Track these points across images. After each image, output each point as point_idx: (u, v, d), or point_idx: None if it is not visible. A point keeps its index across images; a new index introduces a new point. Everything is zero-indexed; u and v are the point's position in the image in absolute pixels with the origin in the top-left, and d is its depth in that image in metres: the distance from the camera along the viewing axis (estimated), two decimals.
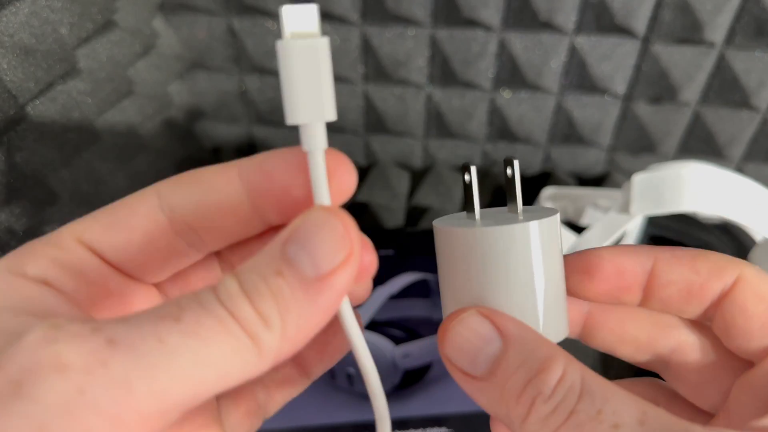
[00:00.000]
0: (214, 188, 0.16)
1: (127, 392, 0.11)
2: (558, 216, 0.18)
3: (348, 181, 0.15)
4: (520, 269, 0.17)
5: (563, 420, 0.15)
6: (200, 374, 0.12)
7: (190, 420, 0.16)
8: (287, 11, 0.13)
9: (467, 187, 0.19)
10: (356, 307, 0.42)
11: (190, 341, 0.12)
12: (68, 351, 0.11)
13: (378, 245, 0.46)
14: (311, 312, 0.13)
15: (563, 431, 0.14)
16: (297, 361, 0.19)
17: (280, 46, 0.13)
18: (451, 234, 0.17)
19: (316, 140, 0.14)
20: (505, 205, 0.20)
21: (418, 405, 0.37)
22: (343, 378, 0.37)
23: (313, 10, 0.13)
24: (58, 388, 0.11)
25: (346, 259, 0.13)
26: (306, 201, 0.15)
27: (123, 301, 0.16)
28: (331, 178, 0.15)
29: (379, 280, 0.42)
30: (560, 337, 0.19)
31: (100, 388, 0.11)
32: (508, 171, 0.20)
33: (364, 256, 0.16)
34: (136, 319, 0.12)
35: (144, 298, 0.17)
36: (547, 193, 0.46)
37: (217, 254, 0.18)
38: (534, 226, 0.17)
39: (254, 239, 0.17)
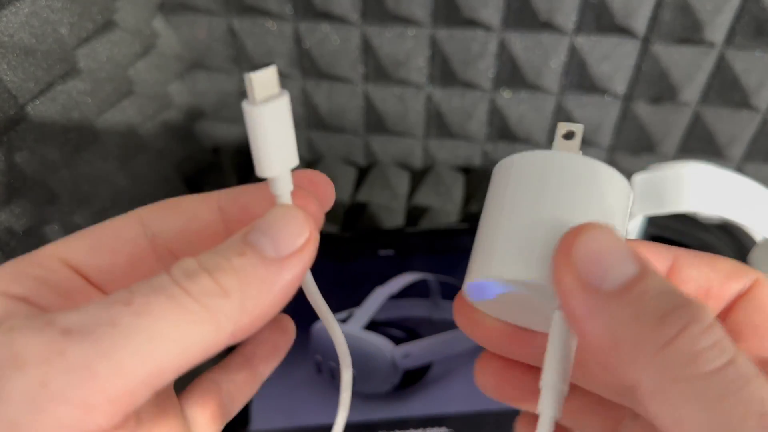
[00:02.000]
0: (196, 217, 0.16)
1: (89, 377, 0.11)
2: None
3: (328, 191, 0.17)
4: (614, 203, 0.17)
5: (723, 364, 0.12)
6: (159, 350, 0.12)
7: (156, 426, 0.16)
8: (254, 78, 0.14)
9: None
10: (356, 307, 0.41)
11: (141, 320, 0.12)
12: (24, 346, 0.11)
13: (378, 245, 0.46)
14: (271, 289, 0.13)
15: (717, 376, 0.12)
16: (247, 362, 0.19)
17: (252, 111, 0.14)
18: (557, 158, 0.17)
19: (284, 186, 0.15)
20: None
21: (418, 405, 0.37)
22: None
23: (273, 71, 0.14)
24: (20, 385, 0.11)
25: (306, 244, 0.14)
26: None
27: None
28: (313, 192, 0.16)
29: (379, 280, 0.42)
30: None
31: (62, 376, 0.11)
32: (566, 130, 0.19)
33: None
34: (89, 307, 0.12)
35: None
36: None
37: None
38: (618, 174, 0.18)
39: None
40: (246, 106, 0.14)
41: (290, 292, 0.14)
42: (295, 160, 0.15)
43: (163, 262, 0.16)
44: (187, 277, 0.13)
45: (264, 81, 0.14)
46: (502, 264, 0.16)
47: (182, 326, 0.12)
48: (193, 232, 0.16)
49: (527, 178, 0.17)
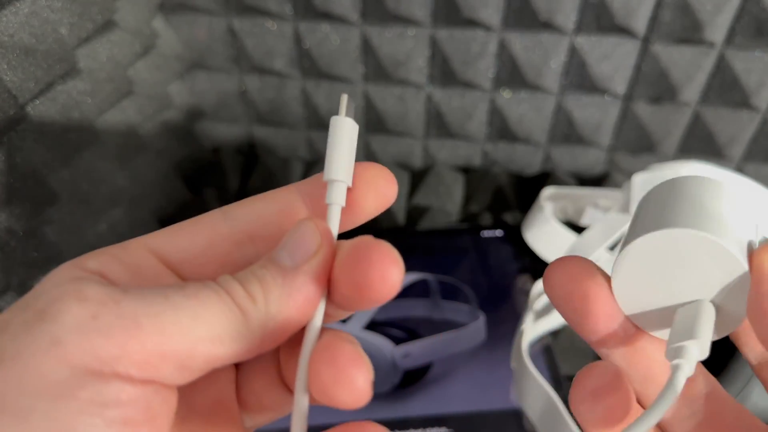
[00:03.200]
0: (276, 199, 0.18)
1: (134, 326, 0.13)
2: None
3: (388, 190, 0.18)
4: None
5: None
6: (197, 330, 0.14)
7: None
8: (345, 97, 0.18)
9: None
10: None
11: (189, 301, 0.14)
12: (88, 288, 0.13)
13: None
14: (290, 294, 0.15)
15: None
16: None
17: (338, 120, 0.17)
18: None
19: (339, 196, 0.17)
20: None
21: (418, 405, 0.37)
22: None
23: (352, 104, 0.18)
24: (75, 312, 0.13)
25: (318, 249, 0.16)
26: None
27: None
28: (372, 186, 0.18)
29: None
30: None
31: (111, 317, 0.13)
32: None
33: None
34: (149, 286, 0.14)
35: None
36: (547, 193, 0.46)
37: None
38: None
39: None
40: (335, 117, 0.17)
41: (311, 299, 0.15)
42: (350, 181, 0.17)
43: (239, 248, 0.17)
44: (226, 283, 0.15)
45: (349, 104, 0.18)
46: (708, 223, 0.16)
47: (220, 316, 0.14)
48: (272, 214, 0.17)
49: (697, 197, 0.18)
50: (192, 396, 0.17)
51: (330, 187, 0.17)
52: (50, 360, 0.12)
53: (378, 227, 0.50)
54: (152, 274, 0.16)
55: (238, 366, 0.19)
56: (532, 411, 0.35)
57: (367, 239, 0.16)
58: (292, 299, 0.15)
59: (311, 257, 0.15)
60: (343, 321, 0.39)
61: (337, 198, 0.17)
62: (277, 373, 0.18)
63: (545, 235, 0.43)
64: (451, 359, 0.39)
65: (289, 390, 0.18)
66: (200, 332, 0.14)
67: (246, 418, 0.19)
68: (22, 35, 0.33)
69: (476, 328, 0.40)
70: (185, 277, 0.17)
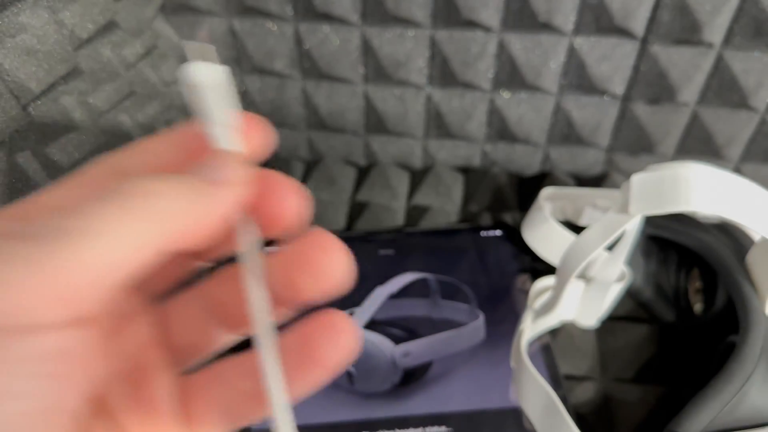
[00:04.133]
0: (149, 150, 0.18)
1: (38, 270, 0.12)
2: None
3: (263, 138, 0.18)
4: None
5: None
6: (104, 247, 0.13)
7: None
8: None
9: None
10: (356, 306, 0.42)
11: (88, 220, 0.13)
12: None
13: (378, 245, 0.46)
14: (204, 193, 0.15)
15: None
16: None
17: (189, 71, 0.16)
18: None
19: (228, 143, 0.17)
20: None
21: (418, 404, 0.37)
22: (343, 377, 0.38)
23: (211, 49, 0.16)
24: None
25: (236, 176, 0.16)
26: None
27: None
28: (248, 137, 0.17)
29: (379, 279, 0.42)
30: None
31: (18, 263, 0.12)
32: None
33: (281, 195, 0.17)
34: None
35: None
36: (546, 193, 0.46)
37: None
38: None
39: None
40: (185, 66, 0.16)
41: (227, 204, 0.15)
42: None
43: None
44: (129, 184, 0.14)
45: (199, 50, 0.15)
46: None
47: (119, 222, 0.13)
48: (151, 167, 0.17)
49: None
50: (117, 340, 0.16)
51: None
52: None
53: (378, 227, 0.50)
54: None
55: (163, 311, 0.18)
56: (532, 410, 0.35)
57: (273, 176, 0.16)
58: (207, 198, 0.15)
59: (232, 181, 0.15)
60: None
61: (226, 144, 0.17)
62: (205, 308, 0.18)
63: (544, 235, 0.43)
64: (450, 358, 0.39)
65: (220, 323, 0.18)
66: (112, 246, 0.13)
67: (179, 361, 0.18)
68: (24, 36, 0.33)
69: (476, 327, 0.41)
70: None
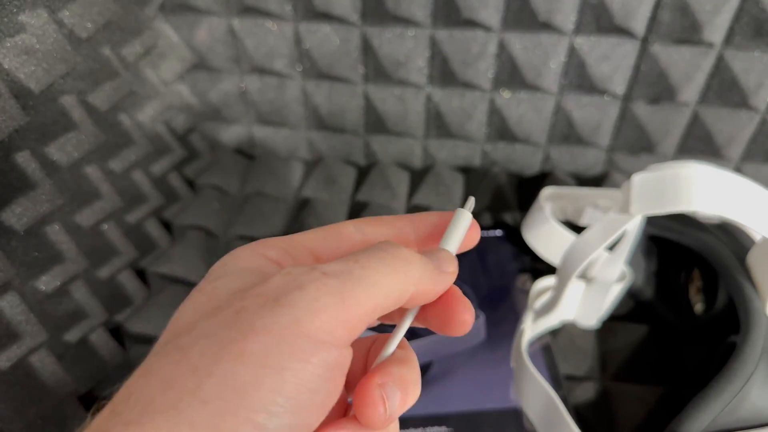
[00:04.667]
0: (395, 226, 0.23)
1: (341, 300, 0.17)
2: None
3: (475, 236, 0.23)
4: None
5: None
6: (376, 292, 0.18)
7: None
8: (472, 201, 0.24)
9: None
10: None
11: (366, 272, 0.18)
12: (301, 277, 0.18)
13: None
14: (435, 278, 0.20)
15: None
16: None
17: (463, 213, 0.23)
18: None
19: (454, 248, 0.22)
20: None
21: (418, 404, 0.37)
22: None
23: (473, 203, 0.24)
24: (301, 298, 0.17)
25: (454, 272, 0.21)
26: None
27: None
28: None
29: None
30: None
31: (327, 296, 0.17)
32: None
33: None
34: (332, 263, 0.19)
35: None
36: (546, 193, 0.46)
37: None
38: None
39: None
40: (461, 210, 0.23)
41: (444, 288, 0.21)
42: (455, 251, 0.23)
43: None
44: (394, 248, 0.19)
45: (472, 204, 0.23)
46: None
47: (389, 277, 0.18)
48: (392, 235, 0.23)
49: None
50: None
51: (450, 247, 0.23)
52: (294, 334, 0.16)
53: None
54: (307, 264, 0.21)
55: None
56: (532, 410, 0.35)
57: (457, 292, 0.22)
58: (436, 283, 0.20)
59: (452, 272, 0.21)
60: None
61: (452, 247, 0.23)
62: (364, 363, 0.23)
63: (544, 234, 0.43)
64: (450, 358, 0.39)
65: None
66: (378, 294, 0.18)
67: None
68: (23, 35, 0.33)
69: (476, 327, 0.40)
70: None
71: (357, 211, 0.51)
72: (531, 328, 0.39)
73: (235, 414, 0.15)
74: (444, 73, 0.48)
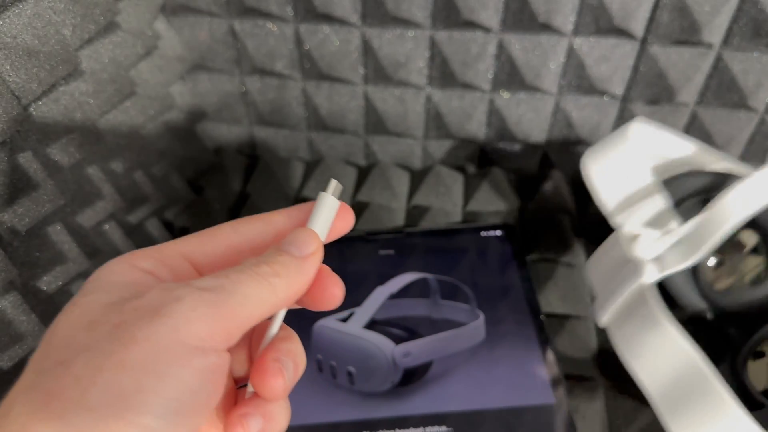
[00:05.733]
0: (272, 222, 0.24)
1: (218, 313, 0.18)
2: None
3: (348, 219, 0.25)
4: None
5: None
6: (249, 304, 0.19)
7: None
8: (335, 184, 0.24)
9: None
10: (357, 306, 0.42)
11: (238, 286, 0.19)
12: (178, 290, 0.19)
13: (378, 245, 0.47)
14: (301, 272, 0.21)
15: None
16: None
17: (325, 197, 0.23)
18: None
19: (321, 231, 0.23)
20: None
21: (419, 403, 0.37)
22: (344, 376, 0.38)
23: (340, 188, 0.24)
24: (179, 309, 0.18)
25: (317, 247, 0.22)
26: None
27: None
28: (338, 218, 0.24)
29: (379, 280, 0.42)
30: None
31: (203, 307, 0.18)
32: None
33: (331, 288, 0.23)
34: (207, 278, 0.20)
35: None
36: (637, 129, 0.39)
37: None
38: None
39: None
40: (323, 194, 0.23)
41: (312, 276, 0.22)
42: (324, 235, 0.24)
43: (242, 255, 0.23)
44: (256, 266, 0.20)
45: (336, 187, 0.24)
46: None
47: (258, 291, 0.20)
48: (268, 233, 0.23)
49: None
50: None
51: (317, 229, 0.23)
52: (174, 342, 0.17)
53: (378, 227, 0.50)
54: (183, 273, 0.22)
55: None
56: (655, 375, 0.29)
57: (324, 270, 0.23)
58: (302, 275, 0.21)
59: (314, 253, 0.22)
60: (343, 320, 0.39)
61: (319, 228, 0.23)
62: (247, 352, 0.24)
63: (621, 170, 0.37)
64: (450, 358, 0.39)
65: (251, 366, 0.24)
66: (250, 306, 0.19)
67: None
68: (25, 37, 0.33)
69: (476, 327, 0.41)
70: (205, 274, 0.22)
71: (358, 211, 0.52)
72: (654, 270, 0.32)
73: (121, 417, 0.16)
74: (444, 73, 0.48)
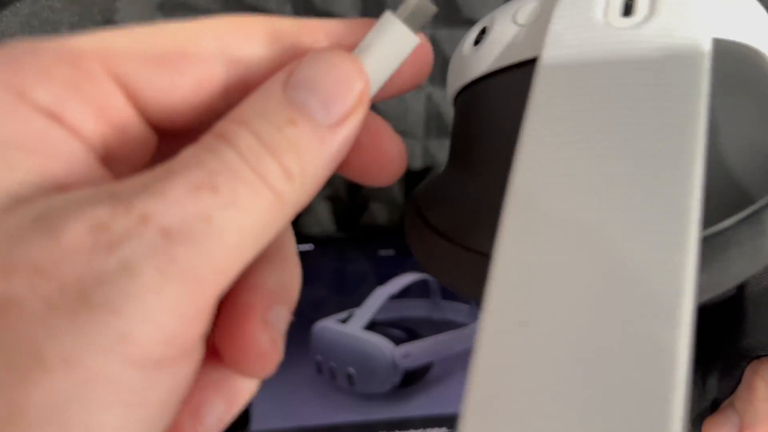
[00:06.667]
0: (280, 42, 0.15)
1: (198, 285, 0.11)
2: None
3: (424, 62, 0.14)
4: None
5: None
6: (245, 243, 0.11)
7: None
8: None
9: None
10: (357, 307, 0.41)
11: (230, 213, 0.11)
12: (133, 255, 0.10)
13: (378, 245, 0.46)
14: (325, 163, 0.12)
15: None
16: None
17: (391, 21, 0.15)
18: None
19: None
20: None
21: (419, 405, 0.37)
22: (344, 378, 0.37)
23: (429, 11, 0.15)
24: (132, 295, 0.10)
25: (359, 101, 0.12)
26: None
27: (144, 154, 0.13)
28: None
29: (379, 280, 0.42)
30: None
31: (175, 282, 0.10)
32: None
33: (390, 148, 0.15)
34: (173, 193, 0.10)
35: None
36: None
37: None
38: None
39: None
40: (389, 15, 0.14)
41: (341, 157, 0.13)
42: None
43: (228, 96, 0.14)
44: (256, 158, 0.11)
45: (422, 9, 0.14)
46: None
47: (261, 216, 0.11)
48: (283, 58, 0.14)
49: None
50: None
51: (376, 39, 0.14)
52: (119, 366, 0.10)
53: (378, 227, 0.50)
54: (124, 126, 0.12)
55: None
56: None
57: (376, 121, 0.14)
58: (326, 169, 0.12)
59: (351, 113, 0.12)
60: (343, 321, 0.39)
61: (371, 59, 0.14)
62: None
63: None
64: (451, 359, 0.39)
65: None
66: (247, 245, 0.11)
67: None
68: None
69: (476, 328, 0.40)
70: (158, 125, 0.13)
71: (357, 211, 0.51)
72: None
73: None
74: (444, 72, 0.48)
